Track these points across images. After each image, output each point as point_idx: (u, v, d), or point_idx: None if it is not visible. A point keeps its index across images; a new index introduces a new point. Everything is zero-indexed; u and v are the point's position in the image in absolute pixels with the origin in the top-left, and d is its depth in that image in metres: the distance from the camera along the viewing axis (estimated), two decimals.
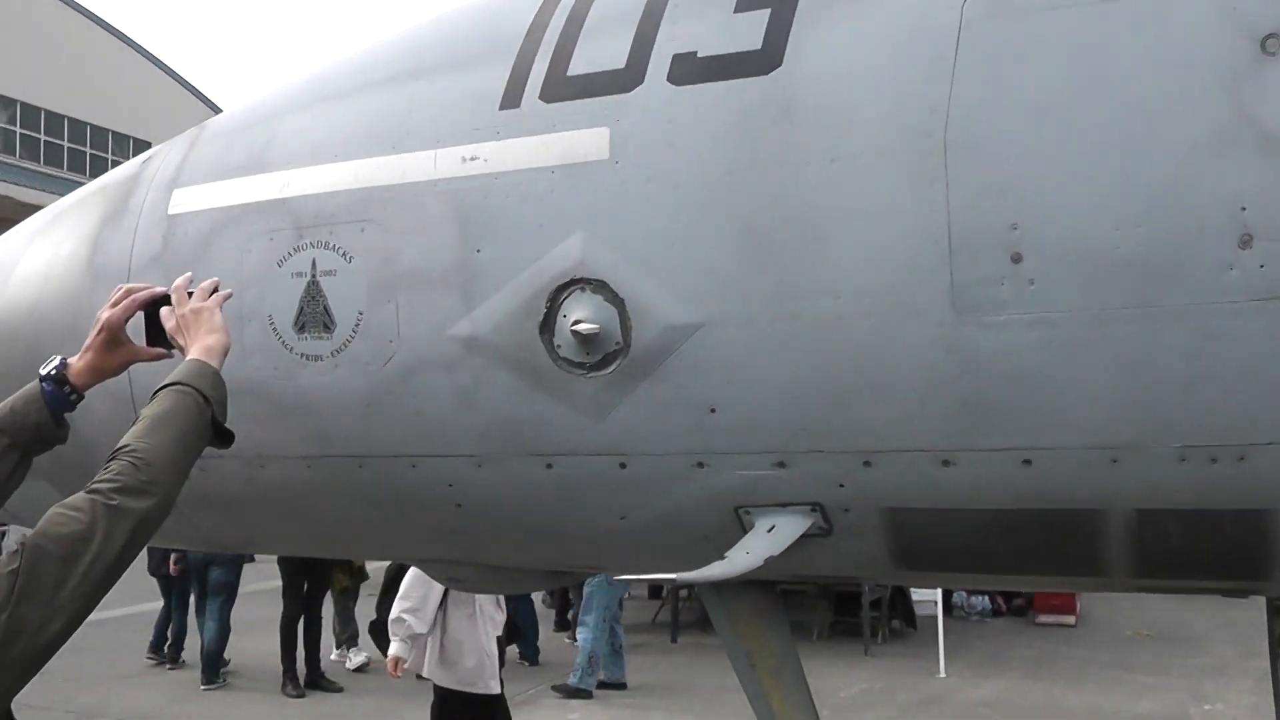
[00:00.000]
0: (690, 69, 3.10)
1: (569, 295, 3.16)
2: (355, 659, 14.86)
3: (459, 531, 3.70)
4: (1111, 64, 2.71)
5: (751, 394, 3.01)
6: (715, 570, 3.10)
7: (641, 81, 3.15)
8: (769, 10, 3.06)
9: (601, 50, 3.27)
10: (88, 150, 41.86)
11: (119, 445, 2.78)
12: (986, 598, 17.59)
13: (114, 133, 42.46)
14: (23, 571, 2.44)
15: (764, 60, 3.01)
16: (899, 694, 11.49)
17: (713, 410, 3.06)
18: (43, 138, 40.36)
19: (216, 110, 46.08)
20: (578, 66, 3.28)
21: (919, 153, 2.82)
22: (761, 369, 2.98)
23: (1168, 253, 2.65)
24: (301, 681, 13.21)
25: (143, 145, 43.14)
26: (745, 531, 3.17)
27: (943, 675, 12.95)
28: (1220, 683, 12.43)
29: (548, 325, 3.19)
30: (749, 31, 3.06)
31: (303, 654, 13.29)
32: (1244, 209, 2.60)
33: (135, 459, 2.70)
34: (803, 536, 3.10)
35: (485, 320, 3.29)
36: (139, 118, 42.16)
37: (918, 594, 15.30)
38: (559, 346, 3.19)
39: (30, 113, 39.66)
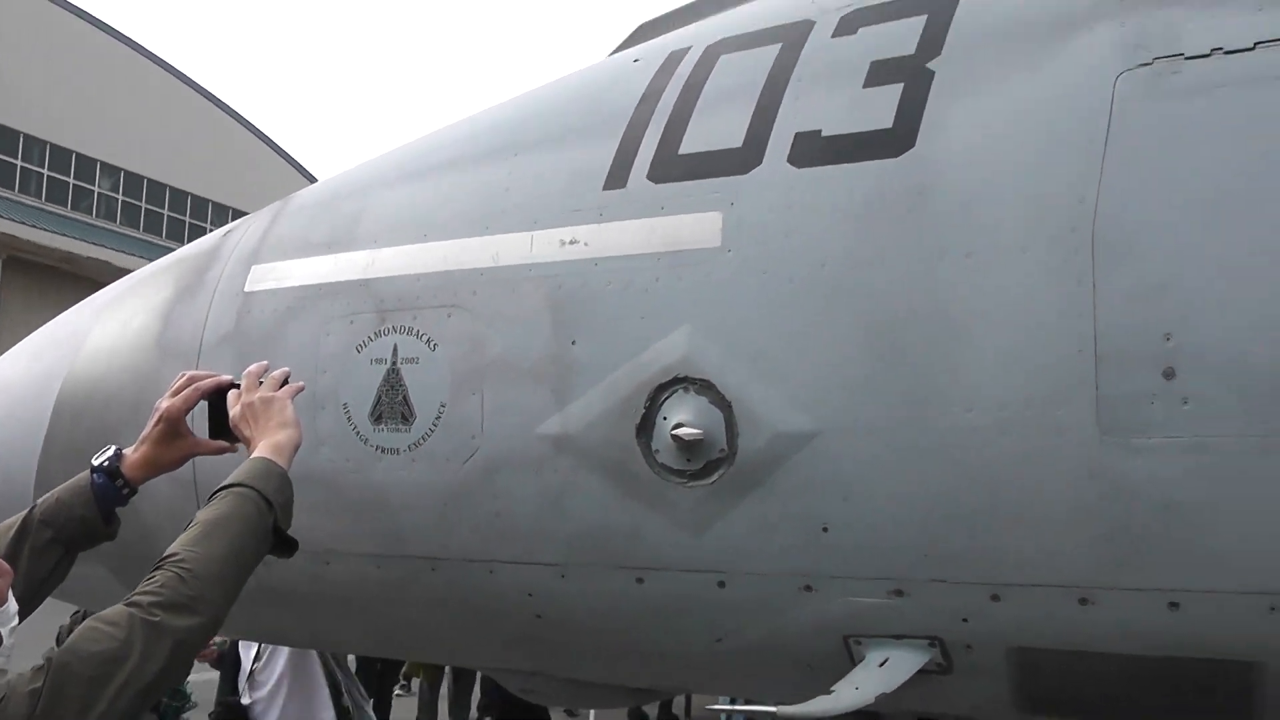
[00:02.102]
0: (813, 149, 2.82)
1: (670, 395, 2.88)
2: None
3: (537, 642, 3.41)
4: None
5: (870, 513, 2.69)
6: (820, 705, 2.75)
7: (760, 162, 2.89)
8: (901, 85, 2.79)
9: (718, 127, 3.01)
10: (187, 219, 42.60)
11: (166, 553, 2.50)
12: None
13: (213, 203, 43.19)
14: (46, 691, 2.17)
15: (895, 141, 2.73)
16: None
17: (825, 529, 2.74)
18: (143, 205, 41.16)
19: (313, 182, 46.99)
20: (691, 144, 3.02)
21: (1064, 250, 2.52)
22: (882, 485, 2.67)
23: None
24: None
25: (240, 215, 43.93)
26: (854, 663, 2.83)
27: None
28: None
29: (646, 427, 2.91)
30: (879, 109, 2.78)
31: None
32: None
33: (182, 570, 2.43)
34: (918, 673, 2.77)
35: (577, 419, 3.01)
36: (238, 188, 42.76)
37: None
38: (657, 451, 2.90)
39: (132, 180, 40.50)
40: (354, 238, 3.58)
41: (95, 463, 3.03)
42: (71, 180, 38.88)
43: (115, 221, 40.20)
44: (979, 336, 2.57)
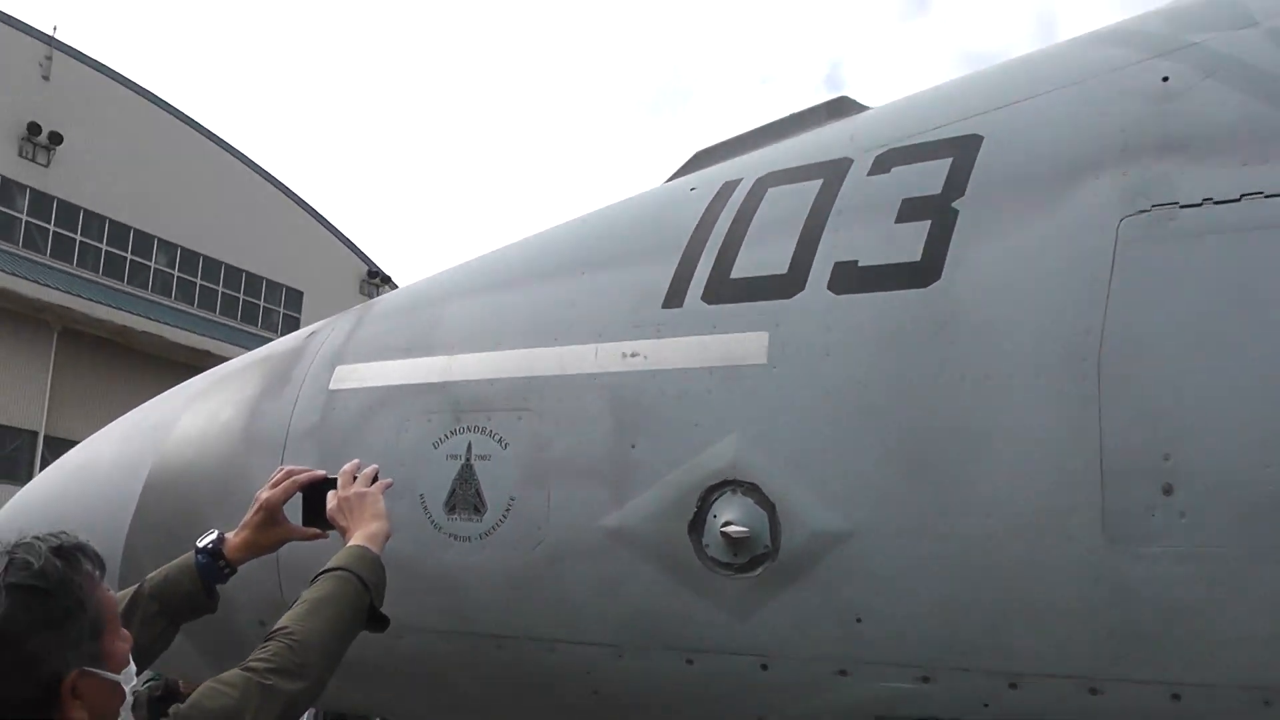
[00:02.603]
0: (851, 278, 3.16)
1: (720, 496, 3.20)
2: None
3: (594, 716, 3.70)
4: (1272, 291, 2.71)
5: (900, 606, 2.99)
6: None
7: (803, 288, 3.22)
8: (929, 222, 3.12)
9: (766, 254, 3.35)
10: (240, 295, 43.29)
11: (276, 626, 2.84)
12: None
13: (268, 280, 43.88)
14: None
15: (923, 273, 3.06)
16: None
17: (859, 620, 3.04)
18: (198, 281, 41.87)
19: (369, 263, 47.69)
20: (742, 269, 3.36)
21: (1073, 375, 2.83)
22: (911, 582, 2.97)
23: None
24: None
25: (294, 293, 44.70)
26: None
27: None
28: None
29: (697, 525, 3.22)
30: (909, 243, 3.12)
31: None
32: None
33: (292, 641, 2.76)
34: None
35: (634, 514, 3.33)
36: (291, 265, 43.61)
37: None
38: (707, 546, 3.21)
39: (189, 257, 41.23)
40: (432, 343, 3.93)
41: (200, 544, 3.38)
42: (128, 255, 39.66)
43: (170, 297, 40.89)
44: (996, 451, 2.88)
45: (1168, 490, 2.70)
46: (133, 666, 2.69)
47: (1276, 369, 2.66)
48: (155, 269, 40.98)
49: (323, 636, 2.83)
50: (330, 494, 3.37)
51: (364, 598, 3.00)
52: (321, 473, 3.48)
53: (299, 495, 3.47)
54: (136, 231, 39.87)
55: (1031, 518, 2.83)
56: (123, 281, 39.13)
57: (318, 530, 3.47)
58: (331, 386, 4.14)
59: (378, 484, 3.37)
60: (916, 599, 2.97)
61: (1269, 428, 2.64)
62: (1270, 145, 2.80)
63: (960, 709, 3.01)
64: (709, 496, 3.21)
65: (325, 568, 3.05)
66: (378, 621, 3.10)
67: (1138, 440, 2.74)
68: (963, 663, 2.96)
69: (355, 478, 3.37)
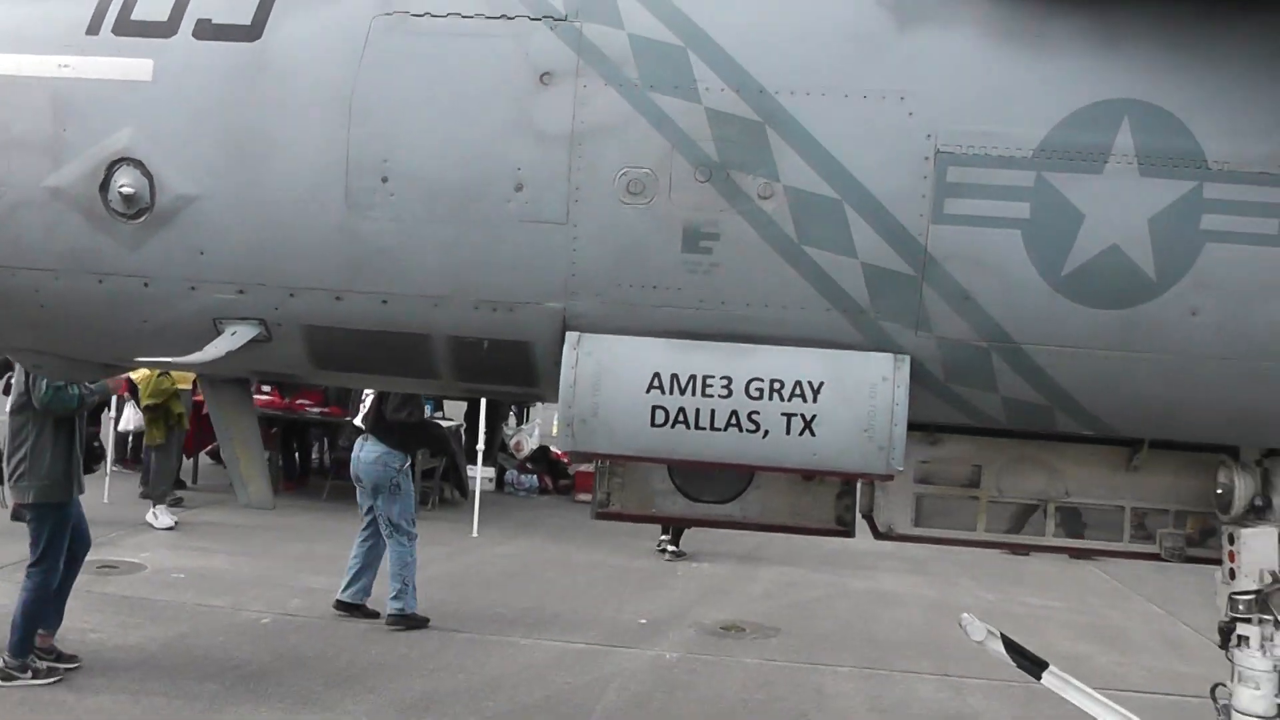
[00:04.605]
0: (206, 30, 4.73)
1: (119, 168, 4.75)
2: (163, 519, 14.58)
3: (41, 326, 5.25)
4: (446, 64, 4.56)
5: (226, 245, 4.71)
6: (195, 356, 4.81)
7: (176, 33, 4.76)
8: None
9: (154, 6, 4.83)
10: None
11: None
12: (535, 477, 19.95)
13: None
14: None
15: (250, 31, 4.68)
16: (433, 548, 12.81)
17: (202, 253, 4.74)
18: None
19: None
20: (139, 14, 4.83)
21: (336, 109, 4.57)
22: (233, 229, 4.69)
23: (477, 187, 4.50)
24: None
25: None
26: (219, 334, 4.88)
27: (475, 535, 15.36)
28: (708, 547, 15.23)
29: (105, 186, 4.76)
30: (245, 9, 4.72)
31: None
32: (519, 169, 4.47)
33: None
34: (252, 341, 4.84)
35: (65, 178, 4.82)
36: None
37: (472, 470, 17.08)
38: (111, 201, 4.77)
39: None
40: None
41: None
42: None
43: None
44: (286, 150, 4.59)
45: (385, 180, 4.52)
46: None
47: (450, 113, 4.50)
48: None
49: None
50: None
51: None
52: None
53: None
54: None
55: (303, 193, 4.58)
56: None
57: None
58: None
59: None
60: (235, 241, 4.70)
61: (451, 149, 4.48)
62: None
63: (262, 309, 4.80)
64: (112, 167, 4.75)
65: None
66: None
67: (370, 150, 4.53)
68: (262, 280, 4.73)
69: None
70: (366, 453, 10.68)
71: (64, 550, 8.64)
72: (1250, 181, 4.31)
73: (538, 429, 21.03)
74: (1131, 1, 4.34)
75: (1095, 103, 4.33)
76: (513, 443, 20.08)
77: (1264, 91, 4.32)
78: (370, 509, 10.79)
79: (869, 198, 4.35)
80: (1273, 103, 4.32)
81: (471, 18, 4.57)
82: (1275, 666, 4.98)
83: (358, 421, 11.49)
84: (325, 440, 19.37)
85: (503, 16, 4.55)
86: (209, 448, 17.51)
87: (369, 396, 11.12)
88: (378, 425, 10.77)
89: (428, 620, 10.76)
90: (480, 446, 16.07)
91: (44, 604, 8.58)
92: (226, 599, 11.26)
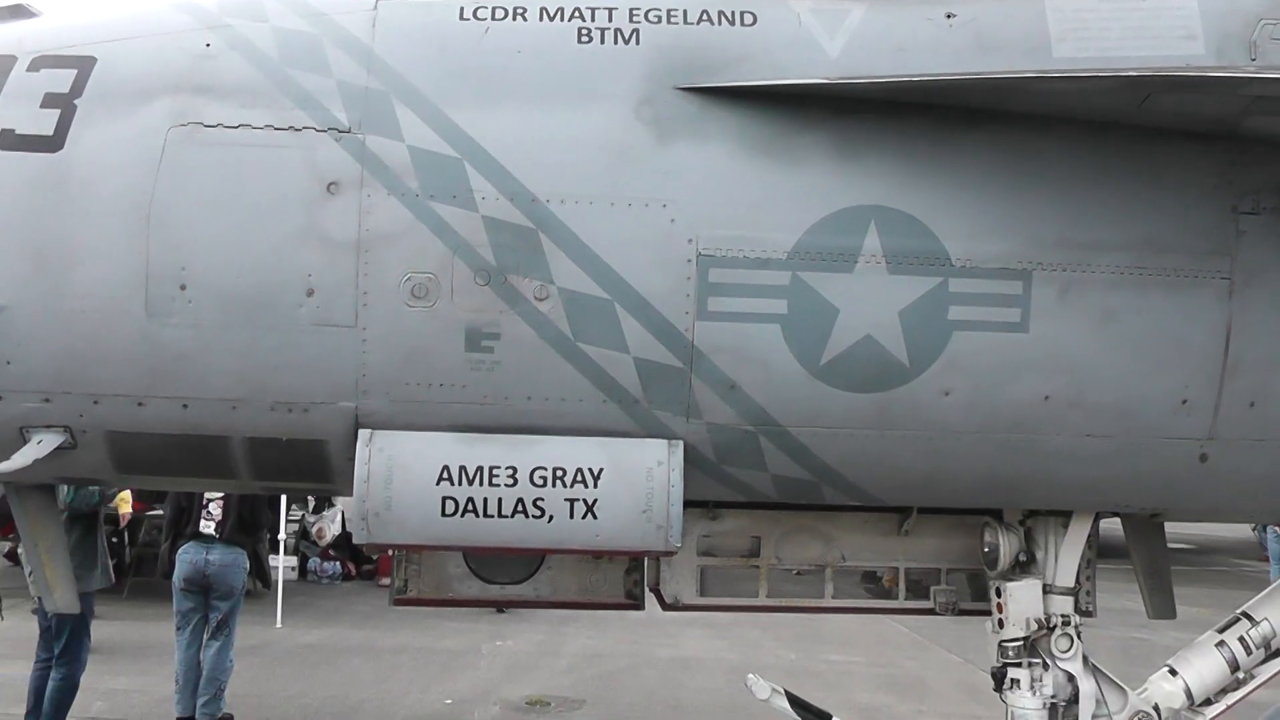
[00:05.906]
0: (9, 140, 4.84)
1: None
2: None
3: None
4: (259, 186, 4.77)
5: (31, 354, 4.82)
6: (2, 466, 4.93)
7: None
8: (60, 110, 4.85)
9: None
10: None
11: None
12: (339, 564, 19.88)
13: None
14: None
15: (52, 143, 4.81)
16: (237, 641, 11.04)
17: (9, 363, 4.84)
18: None
19: None
20: None
21: (138, 219, 4.75)
22: (38, 340, 4.80)
23: (271, 293, 4.72)
24: None
25: None
26: (25, 443, 4.97)
27: (279, 626, 15.11)
28: (513, 625, 15.52)
29: None
30: (48, 123, 4.84)
31: None
32: (310, 275, 4.71)
33: None
34: (58, 448, 4.96)
35: None
36: None
37: (275, 560, 15.88)
38: None
39: None
40: None
41: None
42: None
43: None
44: (87, 260, 4.75)
45: (183, 287, 4.71)
46: None
47: (243, 221, 4.71)
48: None
49: None
50: None
51: None
52: None
53: None
54: None
55: (103, 301, 4.73)
56: None
57: None
58: None
59: None
60: (42, 348, 4.80)
61: (247, 257, 4.69)
62: (256, 96, 4.81)
63: (67, 417, 4.92)
64: None
65: None
66: None
67: (168, 258, 4.72)
68: (67, 388, 4.86)
69: None
70: (220, 557, 10.24)
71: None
72: (990, 276, 4.75)
73: (340, 514, 20.12)
74: (870, 118, 4.74)
75: (844, 209, 4.73)
76: (315, 530, 19.83)
77: (996, 196, 4.75)
78: (188, 613, 10.32)
79: (638, 298, 4.69)
80: (1004, 205, 4.75)
81: (261, 129, 4.79)
82: (1044, 705, 5.48)
83: (208, 531, 10.37)
84: (125, 535, 17.86)
85: (290, 128, 4.78)
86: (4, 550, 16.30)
87: (213, 502, 10.37)
88: (239, 530, 10.36)
89: (232, 717, 10.49)
90: (282, 536, 15.68)
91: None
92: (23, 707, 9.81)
